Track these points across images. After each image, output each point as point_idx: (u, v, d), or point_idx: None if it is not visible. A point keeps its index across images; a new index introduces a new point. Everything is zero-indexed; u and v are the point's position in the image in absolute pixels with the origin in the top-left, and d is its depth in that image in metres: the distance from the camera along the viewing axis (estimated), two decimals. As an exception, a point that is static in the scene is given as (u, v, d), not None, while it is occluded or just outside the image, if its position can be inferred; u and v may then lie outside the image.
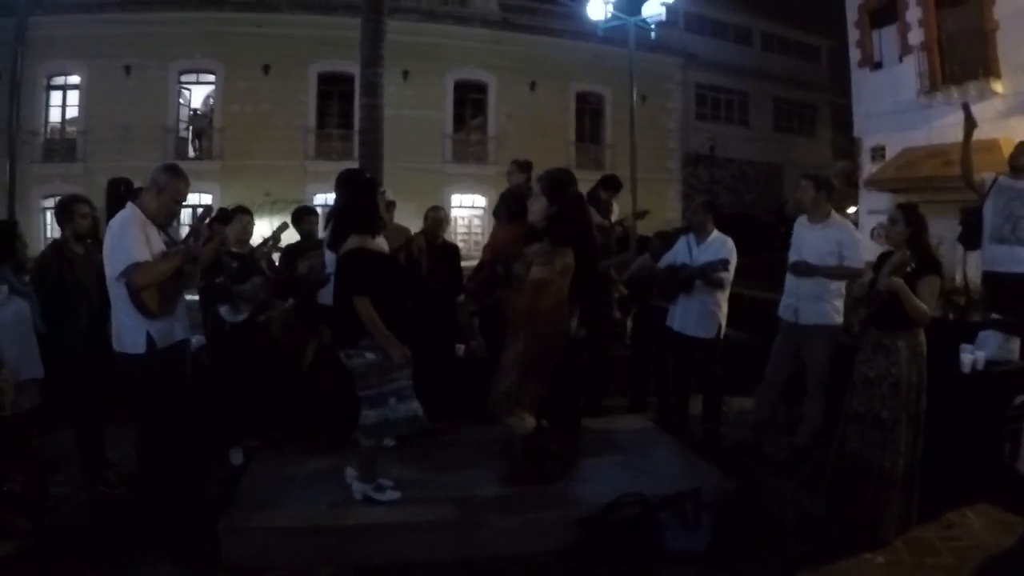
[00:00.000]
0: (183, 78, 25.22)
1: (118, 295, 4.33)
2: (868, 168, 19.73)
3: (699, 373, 6.49)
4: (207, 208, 6.30)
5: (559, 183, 4.98)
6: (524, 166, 6.93)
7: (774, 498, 5.18)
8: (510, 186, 6.55)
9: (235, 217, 6.10)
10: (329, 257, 5.15)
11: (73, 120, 24.38)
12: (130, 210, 4.49)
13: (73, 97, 24.35)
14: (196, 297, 5.81)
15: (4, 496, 4.57)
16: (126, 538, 4.47)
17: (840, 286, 5.79)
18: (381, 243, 4.80)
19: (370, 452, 4.72)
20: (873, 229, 17.67)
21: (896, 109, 18.26)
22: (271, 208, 21.05)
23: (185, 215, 18.69)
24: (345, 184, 4.99)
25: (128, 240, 4.30)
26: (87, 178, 21.28)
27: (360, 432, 4.66)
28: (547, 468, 5.00)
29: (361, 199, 4.73)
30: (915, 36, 17.88)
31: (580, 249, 4.86)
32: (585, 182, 8.74)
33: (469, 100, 27.56)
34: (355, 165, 9.08)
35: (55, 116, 24.55)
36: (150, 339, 4.36)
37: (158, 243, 4.51)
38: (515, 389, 4.73)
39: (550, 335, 4.78)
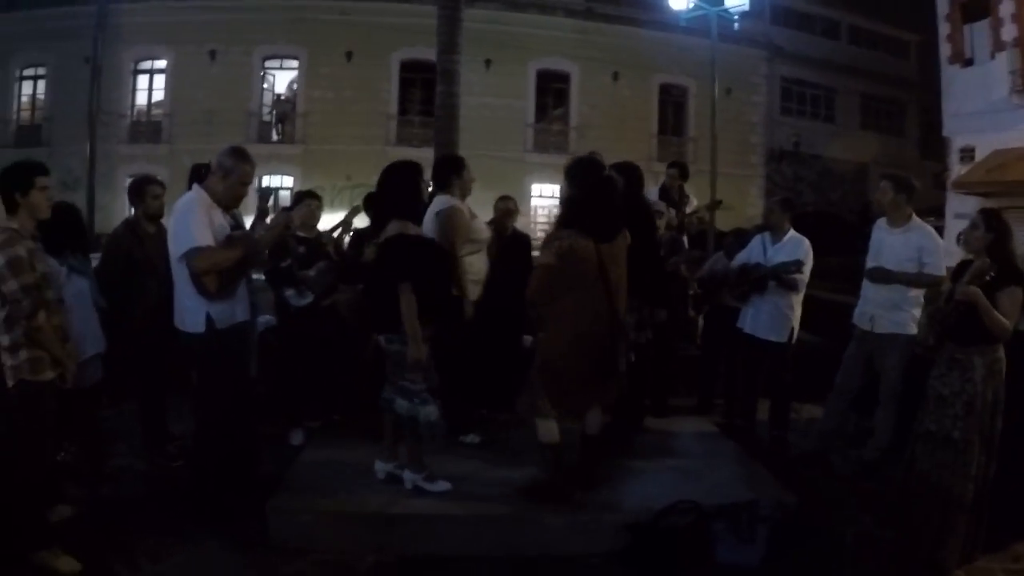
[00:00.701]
0: (267, 63, 25.82)
1: (180, 275, 4.36)
2: (956, 170, 18.92)
3: (769, 377, 6.30)
4: (266, 189, 6.36)
5: (579, 166, 4.78)
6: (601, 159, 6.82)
7: (835, 514, 4.94)
8: None
9: (302, 201, 6.13)
10: None
11: (159, 103, 25.30)
12: (196, 192, 4.50)
13: (159, 81, 25.32)
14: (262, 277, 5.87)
15: (58, 465, 4.68)
16: (178, 513, 4.53)
17: (919, 294, 5.51)
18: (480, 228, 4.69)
19: (418, 441, 4.67)
20: (959, 234, 16.99)
21: (987, 108, 17.40)
22: (352, 192, 21.29)
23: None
24: (386, 171, 4.81)
25: (191, 223, 4.29)
26: (171, 159, 21.92)
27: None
28: (565, 483, 4.65)
29: (402, 183, 4.65)
30: (1008, 32, 17.00)
31: (637, 242, 4.70)
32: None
33: (551, 90, 27.50)
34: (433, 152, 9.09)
35: (141, 99, 25.46)
36: (209, 319, 4.36)
37: (223, 226, 4.51)
38: (539, 381, 4.55)
39: (578, 331, 4.48)
